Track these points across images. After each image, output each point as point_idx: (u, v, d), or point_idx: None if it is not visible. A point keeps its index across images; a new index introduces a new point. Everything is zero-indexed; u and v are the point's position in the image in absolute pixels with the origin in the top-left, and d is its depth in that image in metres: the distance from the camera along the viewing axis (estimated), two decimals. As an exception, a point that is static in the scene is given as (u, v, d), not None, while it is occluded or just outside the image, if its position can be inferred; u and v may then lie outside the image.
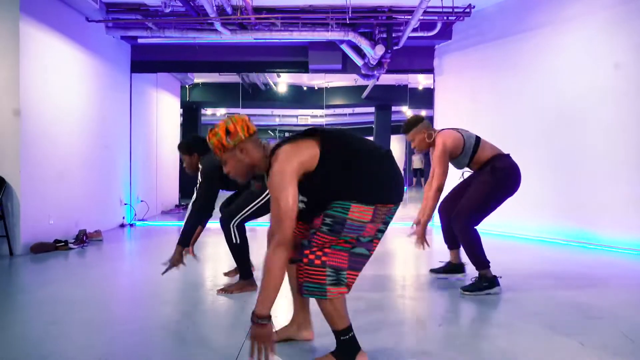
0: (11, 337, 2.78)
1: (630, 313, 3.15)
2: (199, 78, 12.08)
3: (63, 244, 5.45)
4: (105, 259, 5.33)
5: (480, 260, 3.52)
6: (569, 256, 5.23)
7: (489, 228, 6.47)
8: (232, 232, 3.60)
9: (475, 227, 3.55)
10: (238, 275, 3.81)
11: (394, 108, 13.95)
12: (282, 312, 3.06)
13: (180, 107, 11.36)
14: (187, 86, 12.05)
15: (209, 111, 16.13)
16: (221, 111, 16.45)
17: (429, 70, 8.17)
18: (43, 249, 5.25)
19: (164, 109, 9.87)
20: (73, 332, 2.84)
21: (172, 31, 7.02)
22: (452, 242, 3.99)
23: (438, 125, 7.85)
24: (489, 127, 7.00)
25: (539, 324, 2.88)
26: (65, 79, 6.04)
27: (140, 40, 7.59)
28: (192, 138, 4.00)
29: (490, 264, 3.55)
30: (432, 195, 3.58)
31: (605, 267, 4.65)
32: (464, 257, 3.81)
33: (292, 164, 2.08)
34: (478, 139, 3.70)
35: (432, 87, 8.26)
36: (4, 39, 5.06)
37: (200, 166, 3.73)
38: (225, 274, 4.18)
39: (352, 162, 2.17)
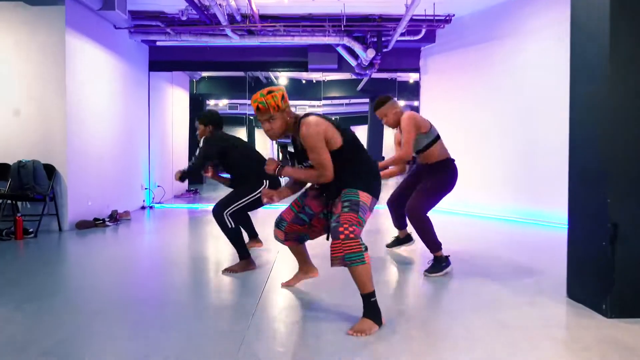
0: (65, 291, 3.79)
1: (546, 268, 4.14)
2: (206, 72, 12.98)
3: (101, 221, 6.45)
4: (135, 235, 6.33)
5: (434, 243, 4.01)
6: (524, 231, 6.26)
7: (458, 208, 7.60)
8: (226, 219, 4.04)
9: (428, 216, 4.04)
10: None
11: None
12: (290, 269, 4.07)
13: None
14: (194, 80, 12.99)
15: (212, 102, 17.09)
16: (224, 102, 17.41)
17: (416, 69, 9.13)
18: (86, 225, 6.25)
19: (176, 102, 10.83)
20: (111, 293, 3.84)
21: (188, 36, 7.94)
22: (400, 225, 4.70)
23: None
24: (466, 118, 8.04)
25: (480, 277, 3.91)
26: (97, 80, 6.98)
27: (158, 43, 8.52)
28: (211, 112, 4.51)
29: (442, 245, 4.04)
30: (394, 160, 4.09)
31: (550, 240, 5.64)
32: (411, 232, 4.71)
33: (320, 127, 2.83)
34: (439, 135, 4.27)
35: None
36: (54, 49, 6.01)
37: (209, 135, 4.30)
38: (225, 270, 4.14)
39: (364, 161, 2.99)
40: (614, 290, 2.84)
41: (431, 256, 4.09)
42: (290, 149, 3.14)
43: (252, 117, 20.10)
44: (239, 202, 4.13)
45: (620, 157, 2.88)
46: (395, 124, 4.22)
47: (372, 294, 2.75)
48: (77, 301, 3.36)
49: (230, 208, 4.09)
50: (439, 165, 4.15)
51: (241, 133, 18.38)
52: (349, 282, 2.84)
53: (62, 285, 3.86)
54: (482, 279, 3.82)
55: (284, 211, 3.29)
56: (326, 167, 2.85)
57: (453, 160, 4.23)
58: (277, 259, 4.55)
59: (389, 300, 3.32)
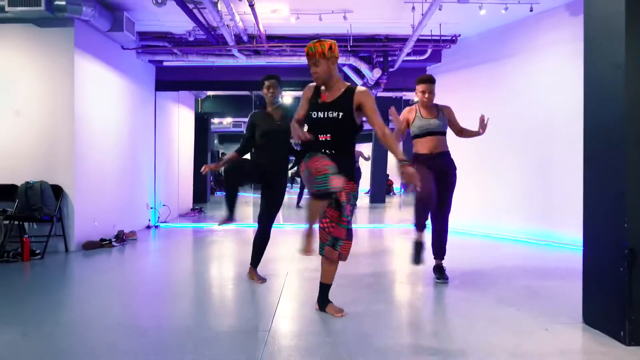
0: (70, 316, 3.74)
1: (562, 289, 4.09)
2: (211, 91, 13.01)
3: (108, 242, 6.41)
4: (141, 255, 6.31)
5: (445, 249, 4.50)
6: (536, 253, 6.19)
7: (469, 229, 7.53)
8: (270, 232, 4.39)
9: None
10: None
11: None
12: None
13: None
14: (199, 99, 13.02)
15: (216, 120, 17.14)
16: (228, 120, 17.45)
17: (421, 88, 9.12)
18: (92, 246, 6.21)
19: (182, 121, 10.85)
20: (117, 318, 3.79)
21: (195, 56, 7.98)
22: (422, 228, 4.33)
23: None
24: (473, 138, 7.99)
25: (493, 299, 3.85)
26: (105, 100, 7.00)
27: (164, 63, 8.56)
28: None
29: None
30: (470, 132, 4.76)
31: (565, 261, 5.56)
32: None
33: None
34: None
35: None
36: (63, 69, 6.03)
37: None
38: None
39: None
40: (634, 318, 2.78)
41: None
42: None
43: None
44: (278, 210, 4.40)
45: (638, 179, 2.84)
46: (430, 105, 4.68)
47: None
48: (83, 326, 3.31)
49: (273, 221, 4.39)
50: (447, 157, 4.53)
51: (245, 151, 18.34)
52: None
53: (67, 310, 3.82)
54: (496, 303, 3.76)
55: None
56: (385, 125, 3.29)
57: None
58: (285, 283, 4.51)
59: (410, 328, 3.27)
